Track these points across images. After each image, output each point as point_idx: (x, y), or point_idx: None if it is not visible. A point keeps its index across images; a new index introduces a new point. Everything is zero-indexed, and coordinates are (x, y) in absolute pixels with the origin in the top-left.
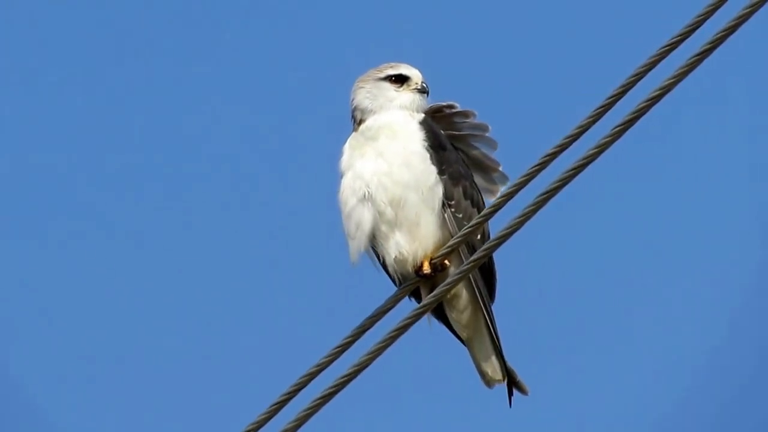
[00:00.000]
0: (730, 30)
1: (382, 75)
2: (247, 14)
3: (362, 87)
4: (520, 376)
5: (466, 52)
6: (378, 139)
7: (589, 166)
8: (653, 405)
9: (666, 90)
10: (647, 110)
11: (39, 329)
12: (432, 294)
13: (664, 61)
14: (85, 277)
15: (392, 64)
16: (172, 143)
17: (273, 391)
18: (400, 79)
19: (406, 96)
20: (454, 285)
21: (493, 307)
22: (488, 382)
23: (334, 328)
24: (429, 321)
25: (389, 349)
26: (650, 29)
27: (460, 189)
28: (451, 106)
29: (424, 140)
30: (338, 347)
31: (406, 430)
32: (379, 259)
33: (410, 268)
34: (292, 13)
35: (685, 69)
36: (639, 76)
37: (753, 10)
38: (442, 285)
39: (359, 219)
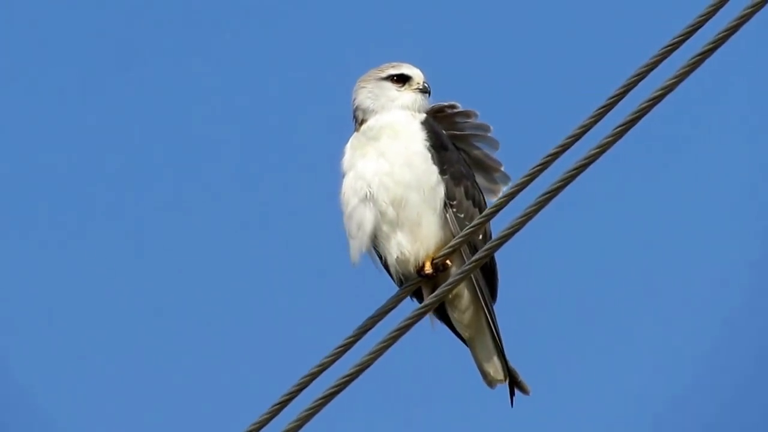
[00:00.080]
0: (732, 30)
1: (384, 75)
2: (247, 14)
3: (364, 87)
4: (522, 376)
5: (467, 52)
6: (380, 139)
7: (591, 166)
8: (654, 405)
9: (668, 90)
10: (649, 110)
11: (39, 329)
12: (434, 294)
13: (665, 62)
14: (85, 277)
15: (394, 63)
16: (172, 143)
17: (275, 391)
18: (402, 79)
19: (407, 96)
20: (455, 285)
21: (494, 307)
22: (490, 382)
23: (335, 328)
24: (431, 321)
25: (391, 349)
26: (652, 29)
27: (462, 189)
28: (452, 106)
29: (426, 140)
30: (340, 347)
31: (407, 430)
32: (380, 260)
33: (412, 269)
34: (292, 13)
35: (687, 69)
36: (641, 76)
37: (755, 10)
38: (443, 285)
39: (361, 219)
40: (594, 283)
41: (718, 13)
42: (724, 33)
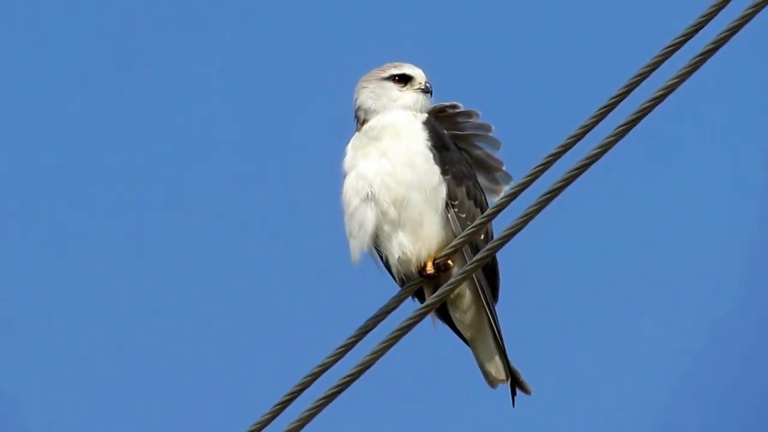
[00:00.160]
0: (734, 30)
1: (386, 75)
2: (247, 14)
3: (365, 87)
4: (524, 376)
5: (468, 52)
6: (381, 139)
7: (592, 167)
8: (655, 405)
9: (669, 90)
10: (650, 110)
11: (39, 329)
12: (435, 294)
13: (667, 62)
14: (85, 276)
15: (396, 63)
16: (172, 143)
17: (276, 391)
18: (404, 79)
19: (409, 96)
20: (457, 285)
21: (496, 307)
22: (491, 381)
23: (337, 328)
24: (433, 322)
25: (392, 350)
26: (654, 29)
27: (464, 189)
28: (454, 106)
29: (428, 140)
30: (342, 347)
31: (409, 430)
32: (382, 260)
33: (413, 269)
34: (292, 13)
35: (689, 69)
36: (643, 77)
37: (756, 10)
38: (445, 285)
39: (362, 219)
40: (595, 283)
41: (720, 14)
42: (726, 33)
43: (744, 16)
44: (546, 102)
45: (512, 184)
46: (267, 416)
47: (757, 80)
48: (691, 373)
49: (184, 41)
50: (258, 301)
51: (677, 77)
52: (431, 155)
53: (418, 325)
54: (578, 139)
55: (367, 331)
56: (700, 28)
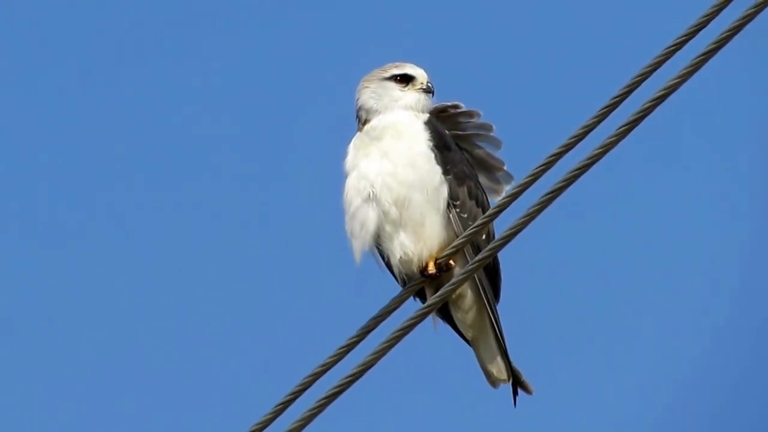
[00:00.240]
0: (735, 30)
1: (387, 75)
2: (248, 14)
3: (367, 87)
4: (525, 376)
5: (469, 52)
6: (383, 139)
7: (594, 167)
8: (657, 405)
9: (671, 90)
10: (652, 110)
11: (39, 329)
12: (437, 294)
13: (669, 62)
14: (85, 276)
15: (397, 63)
16: (173, 143)
17: (278, 391)
18: (405, 79)
19: (411, 96)
20: (459, 285)
21: (497, 307)
22: (493, 382)
23: (338, 328)
24: (434, 322)
25: (394, 349)
26: (655, 29)
27: (465, 189)
28: (455, 106)
29: (429, 140)
30: (343, 347)
31: (410, 430)
32: (383, 260)
33: (415, 269)
34: (292, 13)
35: (690, 69)
36: (644, 76)
37: (758, 10)
38: (447, 285)
39: (364, 219)
40: (597, 283)
41: (722, 13)
42: (728, 33)
43: (745, 17)
44: (547, 102)
45: (514, 184)
46: (269, 416)
47: (757, 80)
48: (692, 373)
49: (184, 41)
50: (259, 301)
51: (679, 77)
52: (433, 155)
53: (420, 325)
54: (580, 140)
55: (368, 331)
56: (702, 28)
